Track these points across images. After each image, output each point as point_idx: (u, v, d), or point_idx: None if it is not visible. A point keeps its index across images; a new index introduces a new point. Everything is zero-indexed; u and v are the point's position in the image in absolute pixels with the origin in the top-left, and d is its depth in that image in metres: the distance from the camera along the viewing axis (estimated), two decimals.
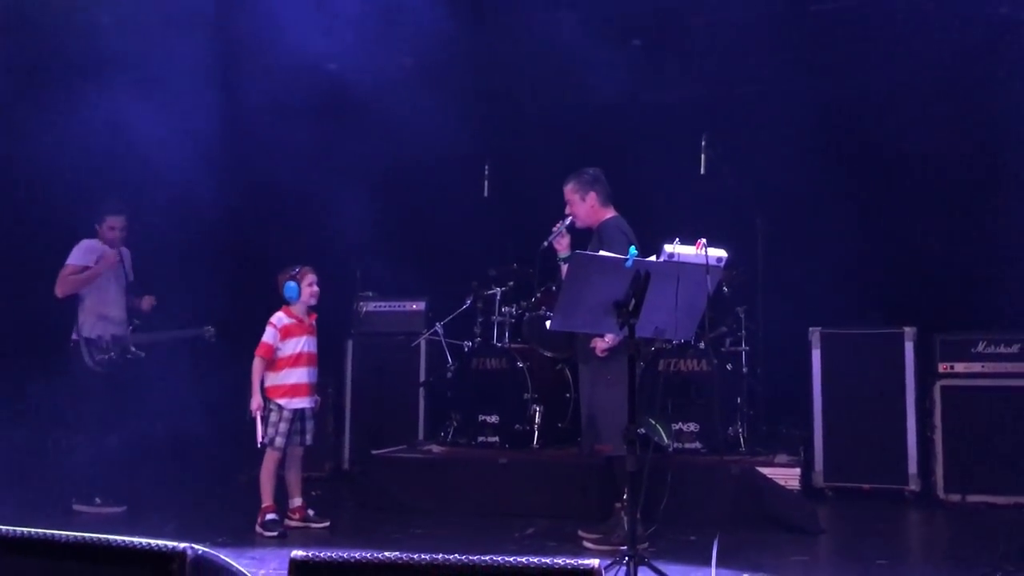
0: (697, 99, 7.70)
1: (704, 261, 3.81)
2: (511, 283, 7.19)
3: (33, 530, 2.61)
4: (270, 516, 5.49)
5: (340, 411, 7.65)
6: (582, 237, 5.50)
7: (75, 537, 2.56)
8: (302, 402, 5.65)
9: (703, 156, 6.51)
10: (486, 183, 7.72)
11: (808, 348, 6.66)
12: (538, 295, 7.10)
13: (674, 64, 7.62)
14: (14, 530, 2.65)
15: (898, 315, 6.64)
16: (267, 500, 5.55)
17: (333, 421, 7.59)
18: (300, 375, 5.66)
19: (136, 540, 2.44)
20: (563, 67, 7.42)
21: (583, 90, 7.70)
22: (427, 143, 7.56)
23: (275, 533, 5.41)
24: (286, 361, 5.65)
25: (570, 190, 5.38)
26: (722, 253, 3.90)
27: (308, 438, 5.72)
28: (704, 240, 3.83)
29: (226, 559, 2.51)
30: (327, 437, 7.51)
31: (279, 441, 5.56)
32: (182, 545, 2.38)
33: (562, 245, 5.44)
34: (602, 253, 3.85)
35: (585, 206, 5.35)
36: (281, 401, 5.60)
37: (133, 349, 6.43)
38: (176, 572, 2.37)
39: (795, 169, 7.09)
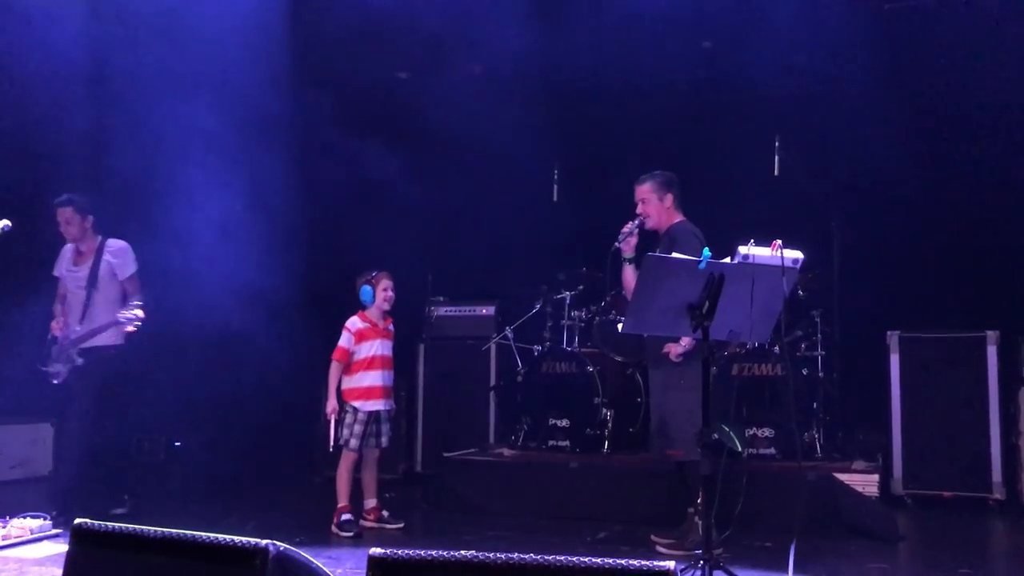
0: (771, 100, 7.59)
1: (780, 263, 3.76)
2: (581, 287, 7.19)
3: (122, 525, 2.71)
4: (346, 516, 5.57)
5: (412, 414, 7.73)
6: (650, 241, 5.45)
7: (163, 533, 2.64)
8: (377, 404, 5.72)
9: (777, 157, 6.42)
10: (555, 187, 7.73)
11: (886, 352, 6.52)
12: (608, 299, 7.09)
13: (746, 65, 7.52)
14: (104, 524, 2.75)
15: (980, 318, 6.46)
16: (343, 501, 5.64)
17: (406, 424, 7.67)
18: (374, 378, 5.74)
19: (221, 536, 2.51)
20: (634, 69, 7.39)
21: (654, 92, 7.65)
22: (497, 148, 7.61)
23: (351, 533, 5.49)
24: (361, 364, 5.73)
25: (647, 189, 5.32)
26: (798, 255, 3.84)
27: (384, 440, 5.79)
28: (779, 241, 3.78)
29: (306, 556, 2.57)
30: (400, 440, 7.58)
31: (353, 443, 5.64)
32: (264, 542, 2.45)
33: (629, 246, 5.35)
34: (675, 255, 3.82)
35: (661, 207, 5.30)
36: (356, 403, 5.68)
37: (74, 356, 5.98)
38: (259, 568, 2.43)
39: (871, 170, 6.96)
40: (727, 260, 3.80)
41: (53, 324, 6.07)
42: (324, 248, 8.06)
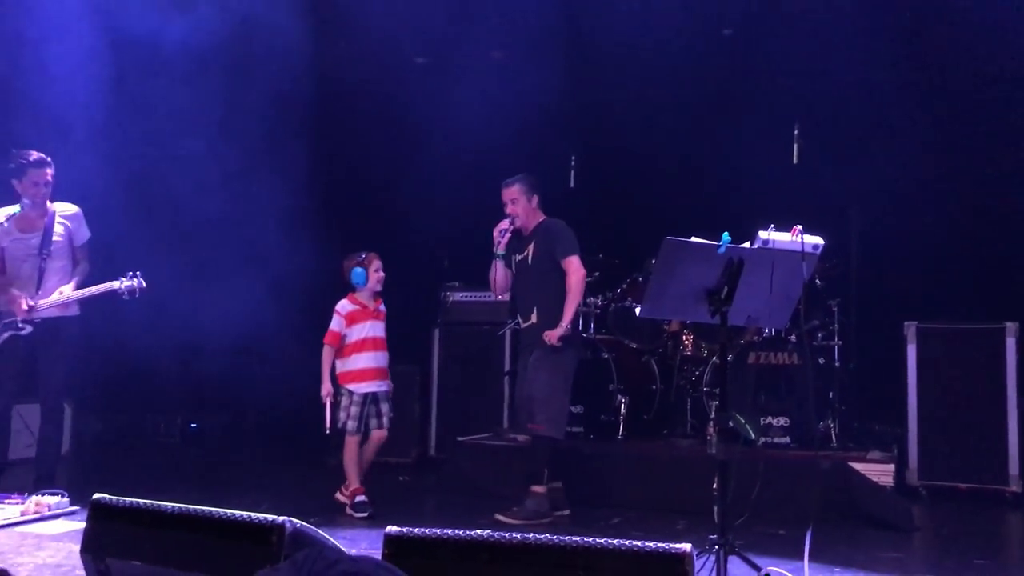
0: (790, 87, 7.54)
1: (800, 248, 3.74)
2: (596, 273, 7.16)
3: (141, 500, 2.72)
4: (360, 498, 5.60)
5: (427, 398, 7.74)
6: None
7: (181, 508, 2.66)
8: (371, 386, 5.73)
9: (796, 145, 6.38)
10: (572, 173, 7.71)
11: (903, 343, 6.48)
12: (624, 286, 7.08)
13: (766, 52, 7.48)
14: (124, 500, 2.77)
15: (999, 310, 6.40)
16: (354, 483, 5.66)
17: (419, 408, 7.68)
18: (367, 360, 5.74)
19: (238, 513, 2.53)
20: (654, 55, 7.36)
21: (673, 79, 7.62)
22: (514, 134, 7.59)
23: (366, 514, 5.51)
24: (353, 347, 5.75)
25: (517, 190, 5.76)
26: (818, 240, 3.82)
27: (385, 421, 5.78)
28: (800, 227, 3.76)
29: (322, 533, 2.58)
30: (414, 424, 7.61)
31: (351, 425, 5.67)
32: (281, 518, 2.47)
33: (502, 245, 5.79)
34: (694, 239, 3.80)
35: (530, 207, 5.73)
36: (350, 386, 5.71)
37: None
38: (276, 544, 2.45)
39: (891, 158, 6.90)
40: (747, 245, 3.78)
41: (14, 296, 5.59)
42: (341, 231, 8.07)
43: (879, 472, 5.68)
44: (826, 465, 5.65)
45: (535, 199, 5.75)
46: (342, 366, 5.76)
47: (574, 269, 5.57)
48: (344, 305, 5.80)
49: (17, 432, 5.97)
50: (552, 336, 5.43)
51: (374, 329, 5.82)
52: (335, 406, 5.68)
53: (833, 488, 5.47)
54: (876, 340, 6.74)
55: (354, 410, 5.67)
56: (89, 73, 6.73)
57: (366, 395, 5.72)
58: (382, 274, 5.84)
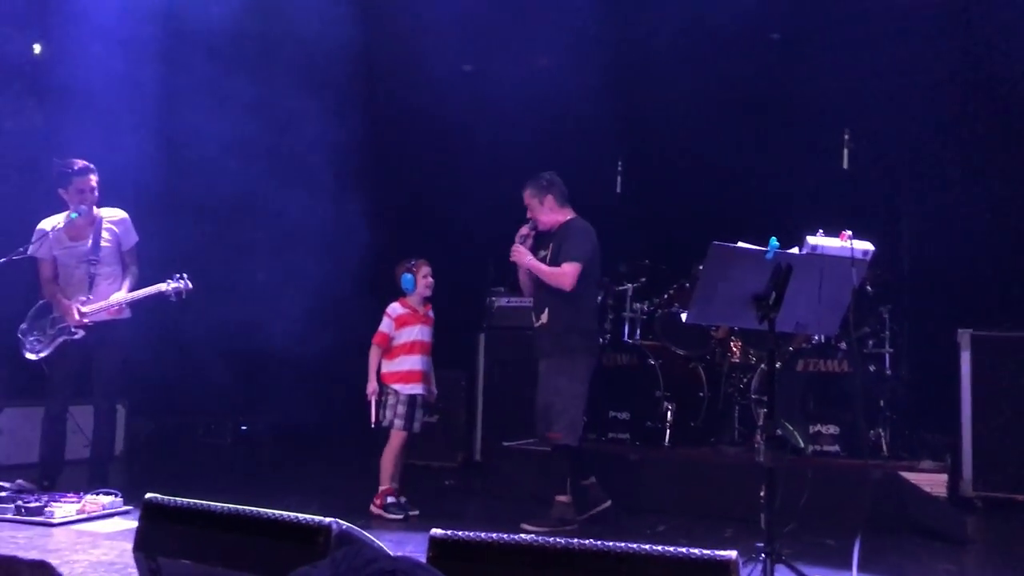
0: (840, 92, 7.44)
1: (849, 254, 3.69)
2: (643, 279, 7.14)
3: (192, 501, 2.77)
4: (391, 499, 5.65)
5: (472, 403, 7.76)
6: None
7: (230, 509, 2.70)
8: (416, 388, 5.82)
9: (845, 150, 6.30)
10: (619, 178, 7.69)
11: (957, 351, 6.34)
12: (671, 291, 7.04)
13: (815, 56, 7.40)
14: (174, 500, 2.82)
15: None
16: (386, 482, 5.71)
17: (465, 413, 7.71)
18: (414, 362, 5.83)
19: (286, 514, 2.57)
20: (701, 60, 7.32)
21: (721, 84, 7.57)
22: (560, 140, 7.60)
23: (399, 516, 5.56)
24: (401, 348, 5.84)
25: (527, 195, 5.73)
26: (868, 246, 3.77)
27: (416, 425, 5.87)
28: (849, 232, 3.71)
29: (368, 535, 2.60)
30: (459, 428, 7.64)
31: (398, 423, 5.75)
32: (328, 520, 2.49)
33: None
34: (740, 244, 3.77)
35: (543, 208, 5.68)
36: (396, 386, 5.79)
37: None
38: (322, 545, 2.48)
39: (943, 163, 6.78)
40: (795, 250, 3.74)
41: (66, 305, 5.71)
42: (391, 238, 8.14)
43: (931, 482, 5.58)
44: (877, 474, 5.55)
45: (548, 199, 5.68)
46: (389, 367, 5.85)
47: (565, 272, 5.49)
48: (395, 308, 5.90)
49: (72, 433, 6.10)
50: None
51: (423, 333, 5.91)
52: (380, 404, 5.77)
53: (883, 498, 5.37)
54: (929, 348, 6.62)
55: (401, 409, 5.76)
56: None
57: (411, 396, 5.80)
58: (431, 280, 5.93)
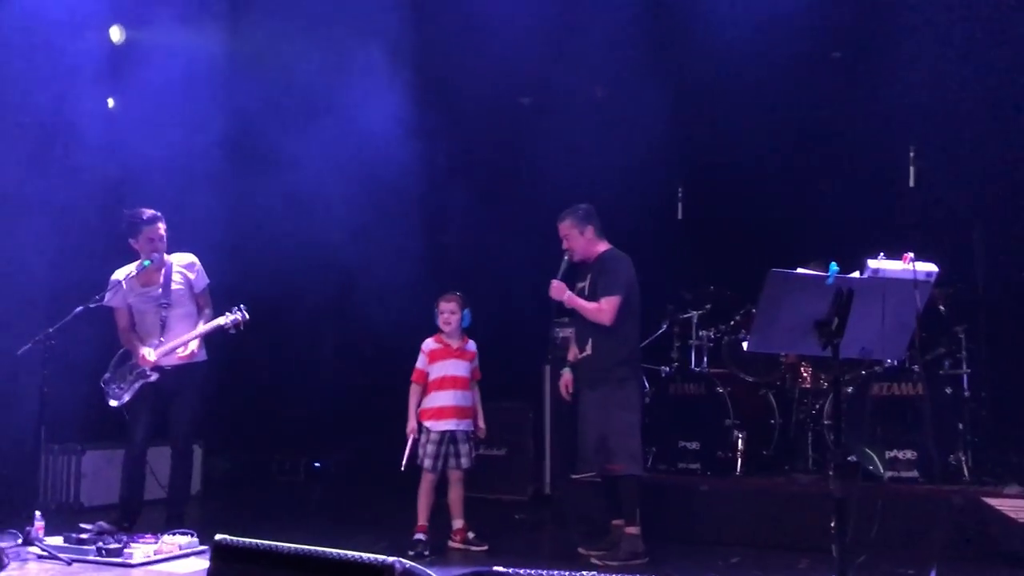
0: (904, 109, 7.31)
1: (912, 276, 3.61)
2: (708, 306, 7.06)
3: (259, 541, 2.83)
4: (416, 536, 5.64)
5: (540, 435, 7.74)
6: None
7: (296, 549, 2.75)
8: (448, 424, 5.76)
9: (912, 168, 6.17)
10: (680, 205, 7.65)
11: None
12: (737, 318, 6.95)
13: (877, 74, 7.28)
14: (243, 541, 2.88)
15: None
16: (421, 519, 5.72)
17: (533, 446, 7.70)
18: (445, 398, 5.80)
19: (350, 553, 2.60)
20: (762, 82, 7.25)
21: (780, 105, 7.49)
22: (620, 168, 7.59)
23: (423, 553, 5.50)
24: (433, 384, 5.84)
25: (568, 225, 5.72)
26: (932, 267, 3.68)
27: (464, 461, 5.80)
28: (911, 254, 3.63)
29: (431, 573, 2.62)
30: (528, 461, 7.62)
31: (427, 463, 5.72)
32: (391, 559, 2.52)
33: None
34: (799, 270, 3.72)
35: (583, 239, 5.68)
36: (428, 423, 5.77)
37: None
38: None
39: (1014, 174, 6.58)
40: (856, 275, 3.67)
41: (142, 352, 5.82)
42: (450, 273, 8.22)
43: (1016, 508, 5.36)
44: (957, 500, 5.37)
45: (589, 230, 5.67)
46: (424, 403, 5.85)
47: (603, 309, 5.47)
48: (428, 343, 5.93)
49: (150, 474, 6.25)
50: None
51: (456, 368, 5.87)
52: (415, 443, 5.75)
53: (965, 524, 5.20)
54: (1010, 367, 6.40)
55: (431, 448, 5.72)
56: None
57: (443, 433, 5.75)
58: (446, 315, 5.89)
